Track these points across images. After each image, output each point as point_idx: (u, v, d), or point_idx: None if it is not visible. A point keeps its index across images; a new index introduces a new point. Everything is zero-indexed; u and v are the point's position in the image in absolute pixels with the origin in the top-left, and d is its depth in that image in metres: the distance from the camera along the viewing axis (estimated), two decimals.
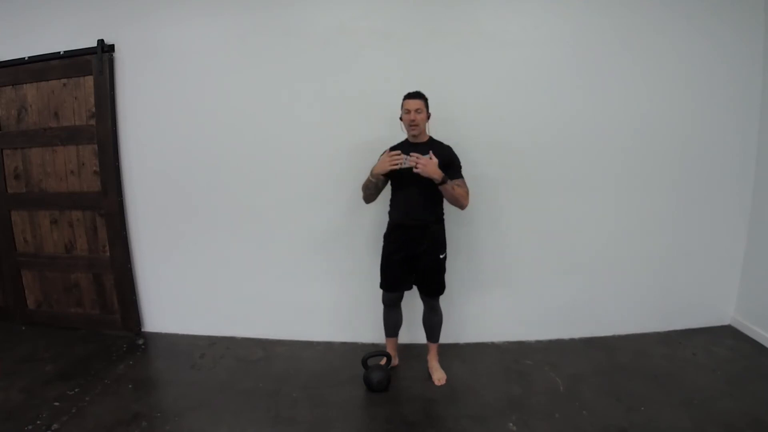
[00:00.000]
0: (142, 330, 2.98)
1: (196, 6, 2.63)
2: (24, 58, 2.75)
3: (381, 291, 2.35)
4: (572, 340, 2.78)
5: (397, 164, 2.07)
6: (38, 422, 2.03)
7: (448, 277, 2.33)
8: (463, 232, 2.61)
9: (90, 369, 2.50)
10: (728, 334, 2.79)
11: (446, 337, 2.60)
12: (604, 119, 2.61)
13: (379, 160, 2.19)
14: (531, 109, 2.59)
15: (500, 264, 2.72)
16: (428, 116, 2.20)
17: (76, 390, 2.30)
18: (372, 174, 2.18)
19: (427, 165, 2.02)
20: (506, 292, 2.74)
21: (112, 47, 2.68)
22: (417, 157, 2.03)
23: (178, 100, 2.71)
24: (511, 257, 2.72)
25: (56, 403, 2.18)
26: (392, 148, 2.20)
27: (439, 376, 2.35)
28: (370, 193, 2.25)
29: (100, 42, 2.64)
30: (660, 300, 2.82)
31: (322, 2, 2.57)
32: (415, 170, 2.03)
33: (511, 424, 2.02)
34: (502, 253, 2.71)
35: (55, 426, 2.01)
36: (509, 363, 2.54)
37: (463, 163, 2.21)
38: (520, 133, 2.60)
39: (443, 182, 2.07)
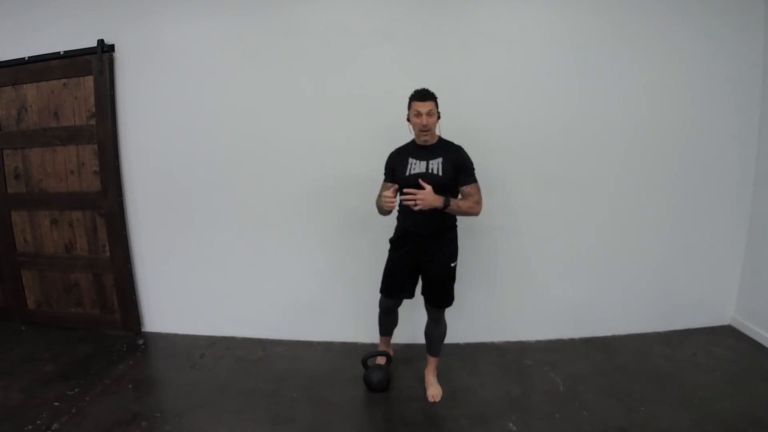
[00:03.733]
0: (142, 330, 2.98)
1: (196, 6, 2.63)
2: (24, 58, 2.75)
3: (379, 294, 2.28)
4: (572, 340, 2.78)
5: (392, 207, 2.01)
6: (38, 422, 2.03)
7: None
8: (462, 233, 2.59)
9: (90, 369, 2.50)
10: (728, 334, 2.79)
11: (446, 337, 2.60)
12: (604, 119, 2.61)
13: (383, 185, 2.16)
14: (531, 109, 2.59)
15: (500, 264, 2.72)
16: (438, 117, 2.06)
17: (76, 390, 2.30)
18: (381, 212, 2.10)
19: (425, 198, 1.91)
20: (506, 292, 2.75)
21: (112, 47, 2.68)
22: (413, 195, 1.91)
23: (178, 100, 2.71)
24: (511, 257, 2.72)
25: (56, 403, 2.18)
26: (398, 150, 2.14)
27: (434, 392, 2.23)
28: (385, 214, 2.16)
29: (100, 42, 2.64)
30: (660, 300, 2.82)
31: (323, 2, 2.57)
32: (415, 208, 1.92)
33: (511, 424, 2.02)
34: (501, 253, 2.71)
35: (55, 426, 2.01)
36: (509, 363, 2.54)
37: None
38: (519, 133, 2.60)
39: (446, 205, 1.97)
